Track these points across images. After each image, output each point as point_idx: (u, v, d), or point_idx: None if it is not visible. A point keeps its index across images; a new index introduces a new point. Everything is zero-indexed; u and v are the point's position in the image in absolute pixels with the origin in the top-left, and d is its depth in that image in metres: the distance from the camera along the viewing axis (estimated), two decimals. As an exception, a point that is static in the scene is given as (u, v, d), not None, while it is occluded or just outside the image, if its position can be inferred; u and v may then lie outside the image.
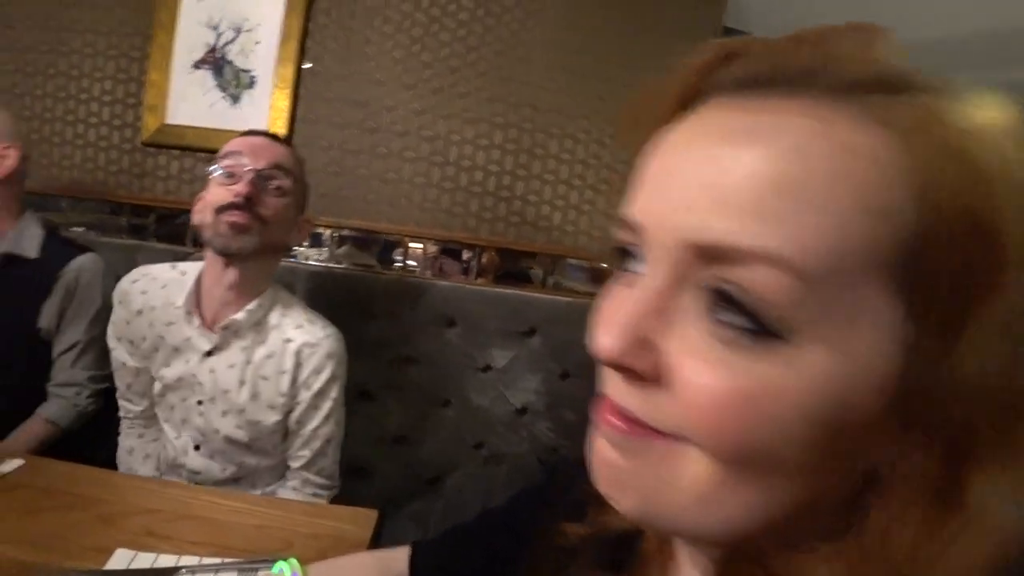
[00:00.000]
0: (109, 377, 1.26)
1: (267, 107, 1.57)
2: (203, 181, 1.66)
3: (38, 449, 1.17)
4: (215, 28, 1.64)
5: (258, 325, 1.04)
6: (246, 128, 1.61)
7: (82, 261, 1.26)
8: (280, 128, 1.57)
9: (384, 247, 1.56)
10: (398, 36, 1.58)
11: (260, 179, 0.98)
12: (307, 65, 1.60)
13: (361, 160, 1.59)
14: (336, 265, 1.54)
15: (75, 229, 1.71)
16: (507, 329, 1.43)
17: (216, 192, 0.99)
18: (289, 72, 1.57)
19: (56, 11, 1.83)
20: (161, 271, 1.09)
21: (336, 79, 1.59)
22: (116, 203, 1.72)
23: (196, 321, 1.03)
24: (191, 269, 1.07)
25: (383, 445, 1.48)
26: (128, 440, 1.13)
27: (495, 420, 1.46)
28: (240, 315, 1.01)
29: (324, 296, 1.42)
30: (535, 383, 1.45)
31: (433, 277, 1.53)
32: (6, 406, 1.21)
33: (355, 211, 1.58)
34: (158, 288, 1.06)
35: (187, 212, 1.60)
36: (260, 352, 1.04)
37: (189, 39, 1.65)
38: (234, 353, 1.03)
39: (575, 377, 1.44)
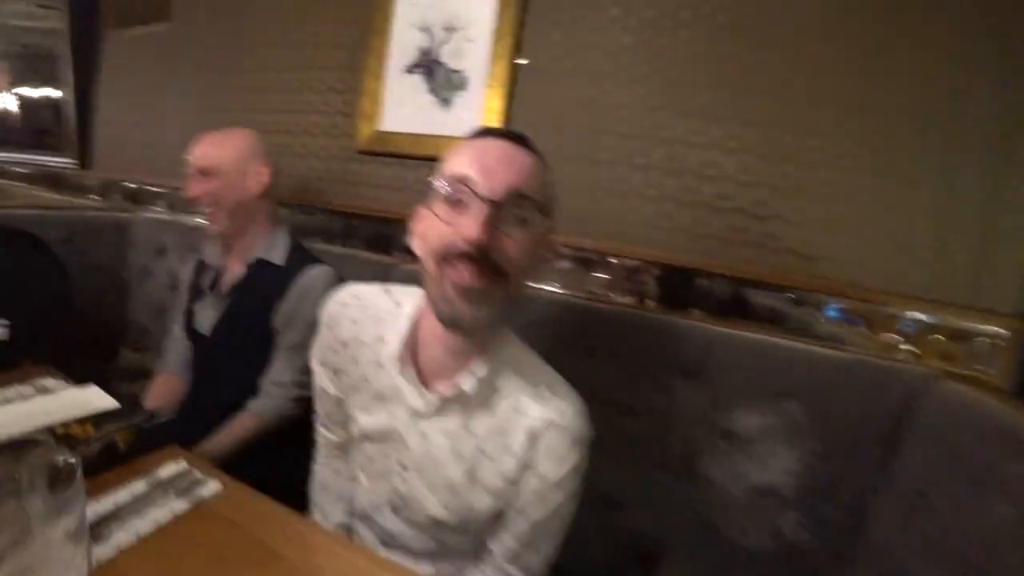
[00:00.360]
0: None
1: (480, 108, 1.44)
2: (413, 190, 1.68)
3: (242, 444, 1.27)
4: (428, 30, 1.56)
5: (486, 391, 0.83)
6: (456, 131, 1.49)
7: (316, 271, 1.34)
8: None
9: (607, 271, 1.34)
10: (629, 20, 1.34)
11: (498, 212, 0.71)
12: (522, 61, 1.43)
13: (581, 168, 1.38)
14: (552, 290, 1.35)
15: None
16: (759, 387, 1.12)
17: (438, 230, 0.73)
18: (503, 70, 1.42)
19: (291, 30, 1.92)
20: (375, 297, 0.92)
21: (555, 75, 1.40)
22: (331, 211, 1.74)
23: (410, 374, 0.83)
24: (407, 300, 0.89)
25: (587, 504, 1.24)
26: (323, 473, 1.04)
27: (730, 500, 1.15)
28: (467, 385, 0.80)
29: (536, 325, 1.24)
30: (787, 460, 1.11)
31: (668, 312, 1.26)
32: (237, 396, 1.33)
33: (573, 227, 1.38)
34: (369, 319, 0.90)
35: (397, 222, 1.63)
36: (485, 423, 0.82)
37: (402, 43, 1.60)
38: (452, 420, 0.83)
39: (842, 459, 1.07)
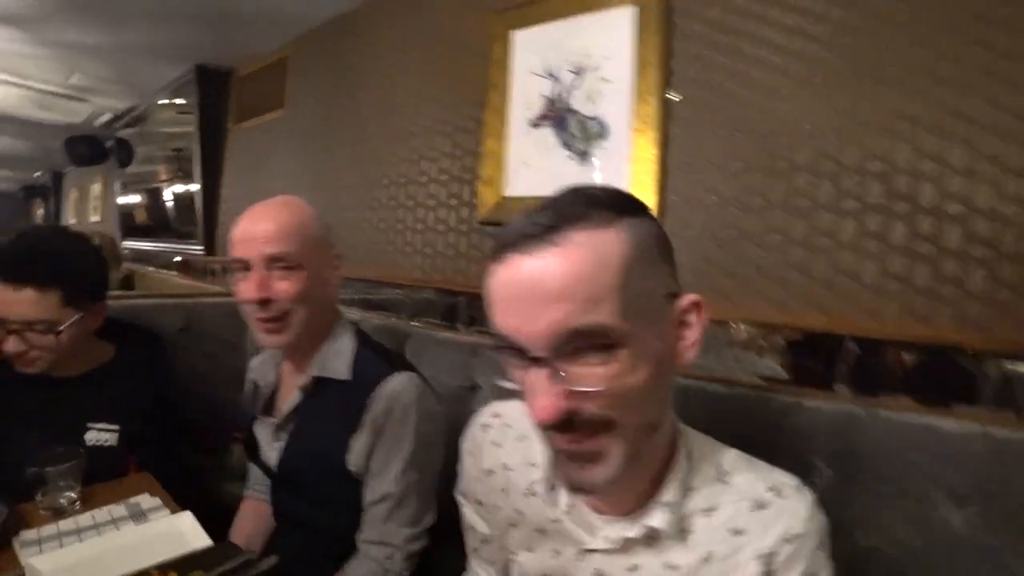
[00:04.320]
0: (431, 533, 1.10)
1: (627, 158, 1.28)
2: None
3: None
4: (553, 75, 1.45)
5: (685, 515, 0.68)
6: None
7: (394, 386, 1.05)
8: (648, 184, 1.25)
9: (814, 352, 1.08)
10: (810, 24, 1.12)
11: (557, 370, 0.56)
12: (674, 96, 1.26)
13: (770, 218, 1.15)
14: (743, 383, 1.11)
15: (414, 324, 1.68)
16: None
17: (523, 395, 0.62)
18: (652, 110, 1.26)
19: (400, 99, 1.92)
20: (518, 413, 0.82)
21: (719, 106, 1.21)
22: (454, 292, 1.64)
23: (564, 502, 0.72)
24: None
25: None
26: None
27: None
28: (658, 521, 0.66)
29: (723, 426, 1.01)
30: None
31: (915, 409, 0.97)
32: (323, 547, 1.11)
33: (764, 297, 1.15)
34: (514, 440, 0.82)
35: None
36: (692, 553, 0.66)
37: (524, 95, 1.51)
38: (642, 555, 0.68)
39: None
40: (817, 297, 1.10)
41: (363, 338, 1.17)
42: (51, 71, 3.27)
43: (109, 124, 4.27)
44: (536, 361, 0.56)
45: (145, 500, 1.13)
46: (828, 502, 0.93)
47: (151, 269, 3.85)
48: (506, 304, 0.59)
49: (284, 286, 1.05)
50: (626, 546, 0.68)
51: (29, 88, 3.56)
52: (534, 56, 1.48)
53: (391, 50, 1.99)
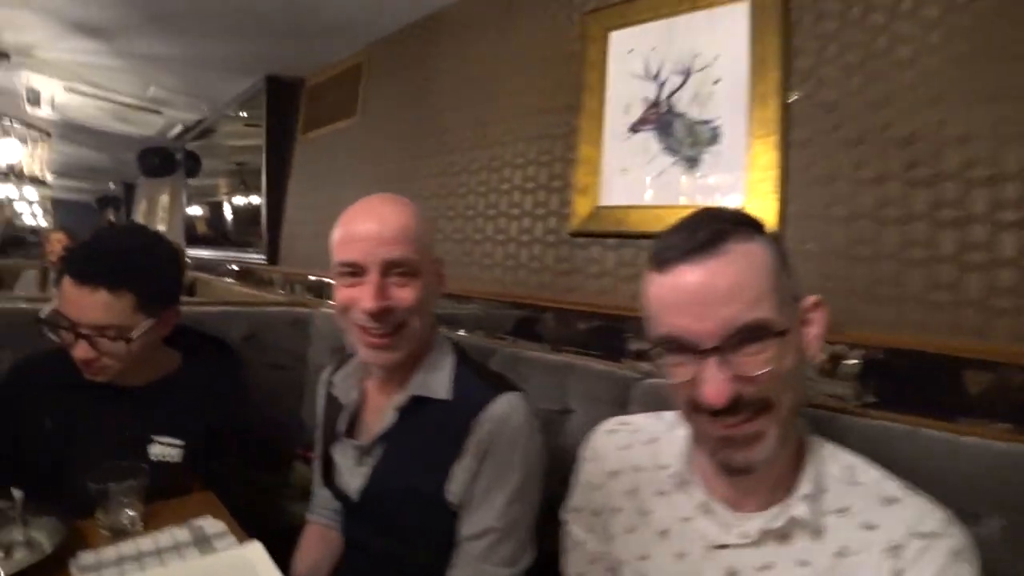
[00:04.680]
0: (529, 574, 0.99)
1: (742, 166, 1.20)
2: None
3: None
4: (655, 77, 1.38)
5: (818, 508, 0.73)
6: (708, 202, 1.27)
7: (502, 407, 0.95)
8: (767, 194, 1.17)
9: (967, 384, 0.97)
10: (957, 17, 1.03)
11: (728, 360, 0.66)
12: (794, 96, 1.17)
13: (913, 231, 1.05)
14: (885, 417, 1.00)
15: (460, 333, 1.62)
16: None
17: (679, 389, 0.71)
18: (771, 113, 1.17)
19: (482, 105, 1.89)
20: (646, 422, 0.90)
21: (851, 109, 1.12)
22: (540, 307, 1.57)
23: (701, 496, 0.77)
24: (681, 421, 0.82)
25: None
26: None
27: None
28: (798, 510, 0.70)
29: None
30: None
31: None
32: None
33: (905, 320, 1.05)
34: (643, 444, 0.87)
35: (630, 319, 1.32)
36: (825, 547, 0.69)
37: (623, 98, 1.45)
38: (772, 550, 0.71)
39: None
40: (970, 320, 0.99)
41: (462, 354, 1.07)
42: (129, 83, 3.41)
43: (180, 136, 4.43)
44: (707, 352, 0.65)
45: (209, 524, 1.05)
46: (1002, 556, 0.83)
47: (212, 277, 3.93)
48: (677, 307, 0.68)
49: (404, 294, 0.95)
50: (761, 540, 0.71)
51: (108, 100, 3.71)
52: (634, 57, 1.42)
53: (474, 54, 1.96)
